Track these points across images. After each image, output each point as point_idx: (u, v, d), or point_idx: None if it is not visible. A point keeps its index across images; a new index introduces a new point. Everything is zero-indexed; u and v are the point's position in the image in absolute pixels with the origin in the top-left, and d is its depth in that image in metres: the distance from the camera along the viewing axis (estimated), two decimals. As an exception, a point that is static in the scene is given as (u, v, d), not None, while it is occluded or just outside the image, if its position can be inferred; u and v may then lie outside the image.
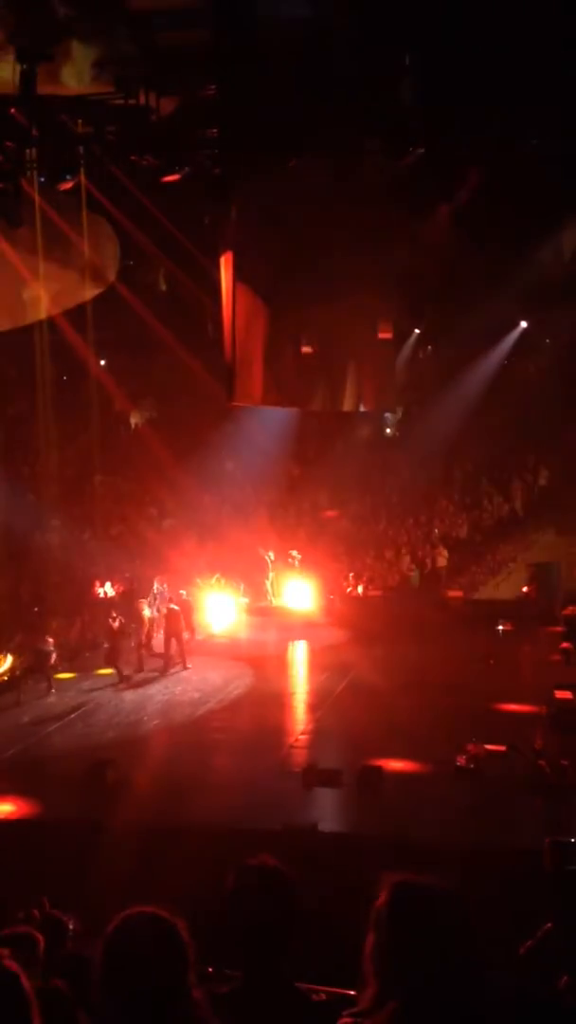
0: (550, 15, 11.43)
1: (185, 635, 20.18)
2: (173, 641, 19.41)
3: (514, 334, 29.13)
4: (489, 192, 13.21)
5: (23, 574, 23.91)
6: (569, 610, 21.84)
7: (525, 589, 23.88)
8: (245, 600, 24.44)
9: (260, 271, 15.53)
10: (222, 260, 14.92)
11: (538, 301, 26.37)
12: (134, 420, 30.91)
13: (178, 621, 19.54)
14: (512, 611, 22.70)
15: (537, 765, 12.78)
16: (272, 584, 24.82)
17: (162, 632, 20.79)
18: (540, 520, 27.31)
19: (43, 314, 19.34)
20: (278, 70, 13.51)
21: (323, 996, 2.89)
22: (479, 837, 11.07)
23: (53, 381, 26.50)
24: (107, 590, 21.47)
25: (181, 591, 21.39)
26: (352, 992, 3.33)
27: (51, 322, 21.45)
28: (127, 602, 20.83)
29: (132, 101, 12.84)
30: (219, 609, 22.96)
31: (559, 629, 20.71)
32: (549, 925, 5.93)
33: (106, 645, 19.25)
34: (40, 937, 4.59)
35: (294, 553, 24.91)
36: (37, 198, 14.76)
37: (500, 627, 21.74)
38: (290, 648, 21.48)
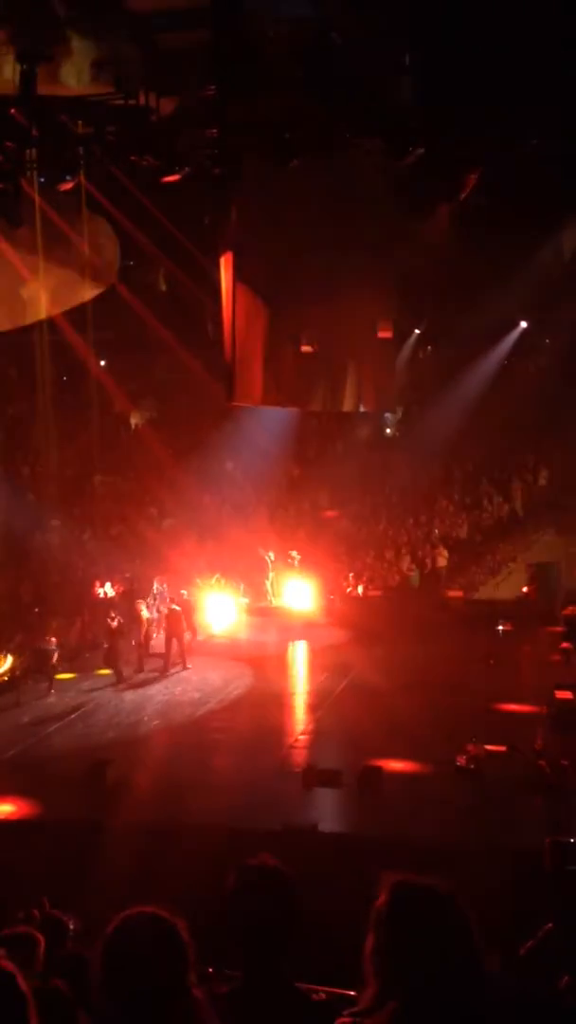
0: (550, 15, 11.43)
1: (187, 636, 20.17)
2: (174, 641, 19.39)
3: (514, 334, 29.15)
4: (489, 192, 13.19)
5: (23, 574, 23.91)
6: (569, 610, 21.84)
7: (525, 589, 23.88)
8: (245, 600, 24.43)
9: (260, 271, 15.53)
10: (222, 260, 14.93)
11: (538, 301, 26.38)
12: (134, 420, 30.92)
13: (179, 621, 19.52)
14: (512, 611, 22.70)
15: (537, 765, 12.78)
16: (272, 584, 24.81)
17: (162, 632, 20.80)
18: (540, 520, 27.31)
19: (43, 314, 19.35)
20: (278, 70, 13.52)
21: (323, 996, 2.89)
22: (479, 837, 11.07)
23: (53, 381, 26.51)
24: (107, 590, 21.47)
25: (182, 591, 21.39)
26: (352, 992, 3.33)
27: (51, 322, 21.45)
28: (127, 602, 20.83)
29: (132, 101, 12.84)
30: (219, 609, 22.95)
31: (559, 629, 20.70)
32: (549, 925, 5.93)
33: (105, 645, 19.25)
34: (40, 937, 4.59)
35: (294, 553, 24.91)
36: (37, 198, 14.76)
37: (500, 627, 21.73)
38: (290, 648, 21.47)
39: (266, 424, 27.57)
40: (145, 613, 19.89)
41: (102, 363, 29.84)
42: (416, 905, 2.31)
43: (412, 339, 28.43)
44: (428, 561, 26.15)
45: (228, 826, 11.19)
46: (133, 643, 19.56)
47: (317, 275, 17.42)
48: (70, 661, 19.64)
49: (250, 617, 23.85)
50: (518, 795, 12.39)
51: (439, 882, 2.35)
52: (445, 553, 26.10)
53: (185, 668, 19.24)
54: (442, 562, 25.95)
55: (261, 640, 22.03)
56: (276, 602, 24.52)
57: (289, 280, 16.43)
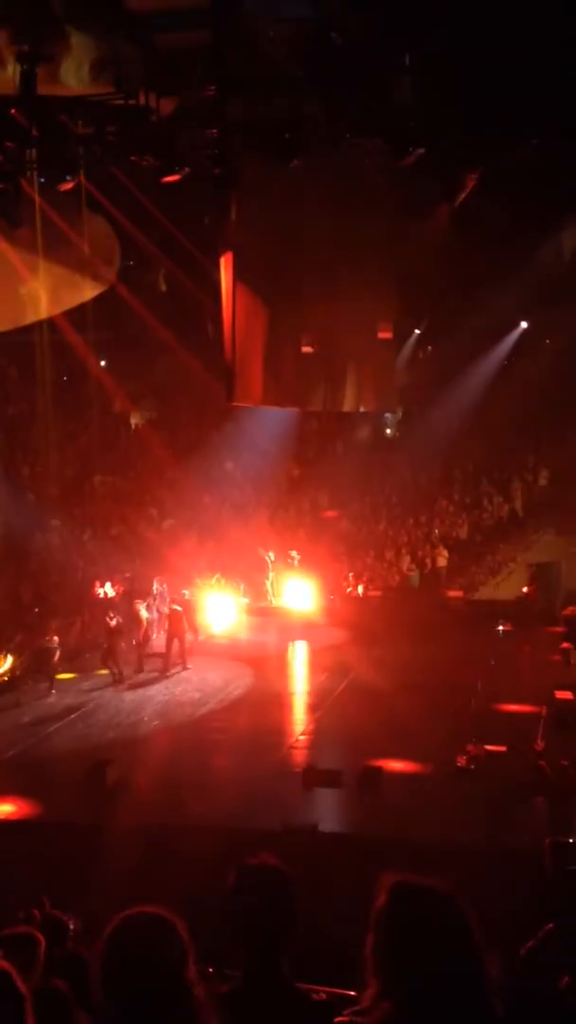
0: (550, 15, 11.43)
1: (189, 636, 20.15)
2: (175, 641, 19.38)
3: (514, 334, 29.16)
4: (489, 192, 13.19)
5: (23, 574, 23.90)
6: (569, 610, 21.83)
7: (525, 589, 23.87)
8: (245, 600, 24.43)
9: (260, 271, 15.52)
10: (222, 260, 14.92)
11: (538, 301, 26.39)
12: (134, 420, 30.92)
13: (180, 621, 19.51)
14: (512, 611, 22.69)
15: (537, 765, 12.78)
16: (272, 584, 24.81)
17: (160, 632, 20.80)
18: (540, 520, 27.32)
19: (43, 314, 19.33)
20: (278, 70, 13.52)
21: (323, 996, 2.89)
22: (479, 837, 11.07)
23: (53, 381, 26.50)
24: (107, 590, 21.47)
25: (184, 591, 21.39)
26: (352, 992, 3.33)
27: (51, 322, 21.45)
28: (127, 602, 20.83)
29: (132, 101, 12.83)
30: (219, 609, 22.95)
31: (559, 629, 20.70)
32: (550, 926, 5.93)
33: (105, 645, 19.22)
34: (40, 937, 4.58)
35: (293, 553, 24.90)
36: (37, 198, 14.76)
37: (500, 627, 21.73)
38: (290, 648, 21.47)
39: (266, 424, 27.56)
40: (144, 613, 19.87)
41: (102, 363, 29.85)
42: (416, 905, 2.31)
43: (412, 339, 28.46)
44: (428, 561, 26.15)
45: (228, 826, 11.20)
46: (134, 643, 19.55)
47: (317, 275, 17.42)
48: (70, 661, 19.64)
49: (250, 617, 23.85)
50: (518, 795, 12.39)
51: (439, 882, 2.35)
52: (445, 553, 26.10)
53: (185, 668, 19.23)
54: (442, 562, 25.95)
55: (261, 640, 22.03)
56: (276, 602, 24.52)
57: (289, 280, 16.43)
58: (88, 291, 19.14)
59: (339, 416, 27.55)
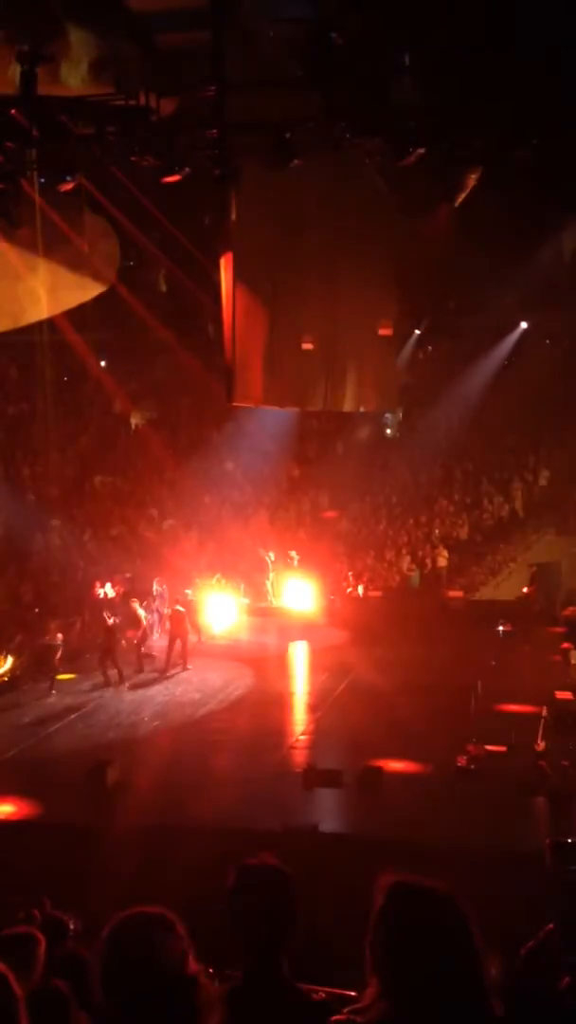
0: (550, 15, 11.43)
1: (193, 638, 20.12)
2: (177, 642, 19.37)
3: (514, 334, 29.17)
4: (489, 192, 13.19)
5: (24, 574, 23.91)
6: (569, 611, 21.84)
7: (525, 590, 23.87)
8: (245, 601, 24.42)
9: (260, 271, 15.52)
10: (222, 260, 14.93)
11: (538, 301, 26.41)
12: (134, 420, 30.91)
13: (183, 622, 19.50)
14: (512, 612, 22.69)
15: (537, 766, 12.78)
16: (272, 585, 24.80)
17: (162, 633, 20.81)
18: (540, 520, 27.32)
19: (43, 314, 19.32)
20: (278, 70, 13.52)
21: (322, 996, 2.89)
22: (479, 837, 11.07)
23: (54, 381, 26.51)
24: (107, 591, 21.47)
25: (187, 591, 21.39)
26: (352, 993, 3.33)
27: (51, 322, 21.44)
28: (126, 603, 20.82)
29: (132, 101, 12.83)
30: (219, 610, 22.95)
31: (560, 629, 20.70)
32: (550, 926, 5.93)
33: (102, 644, 19.17)
34: (41, 937, 4.58)
35: (293, 553, 24.90)
36: (37, 198, 14.75)
37: (500, 628, 21.72)
38: (290, 649, 21.47)
39: (266, 424, 27.56)
40: (141, 612, 19.85)
41: (102, 363, 29.86)
42: (413, 906, 2.31)
43: (412, 339, 28.48)
44: (428, 561, 26.14)
45: (228, 826, 11.21)
46: (135, 642, 19.52)
47: (317, 275, 17.41)
48: (70, 661, 19.63)
49: (250, 617, 23.85)
50: (518, 795, 12.39)
51: (437, 882, 2.35)
52: (445, 553, 26.10)
53: (185, 669, 19.22)
54: (442, 562, 25.95)
55: (261, 640, 22.03)
56: (276, 603, 24.51)
57: (289, 280, 16.42)
58: (88, 291, 19.11)
59: (339, 416, 27.54)
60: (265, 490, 29.00)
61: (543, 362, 28.13)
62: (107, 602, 20.56)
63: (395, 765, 13.30)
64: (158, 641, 20.65)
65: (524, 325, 28.92)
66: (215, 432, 29.69)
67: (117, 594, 21.16)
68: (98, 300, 19.72)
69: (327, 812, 12.19)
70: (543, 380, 27.68)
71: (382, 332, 20.99)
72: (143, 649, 19.61)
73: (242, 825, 11.23)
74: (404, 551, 26.63)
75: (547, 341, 29.43)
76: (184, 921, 2.38)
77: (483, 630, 21.35)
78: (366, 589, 25.17)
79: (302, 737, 15.43)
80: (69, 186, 13.73)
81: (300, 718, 16.71)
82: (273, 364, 16.36)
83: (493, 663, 18.90)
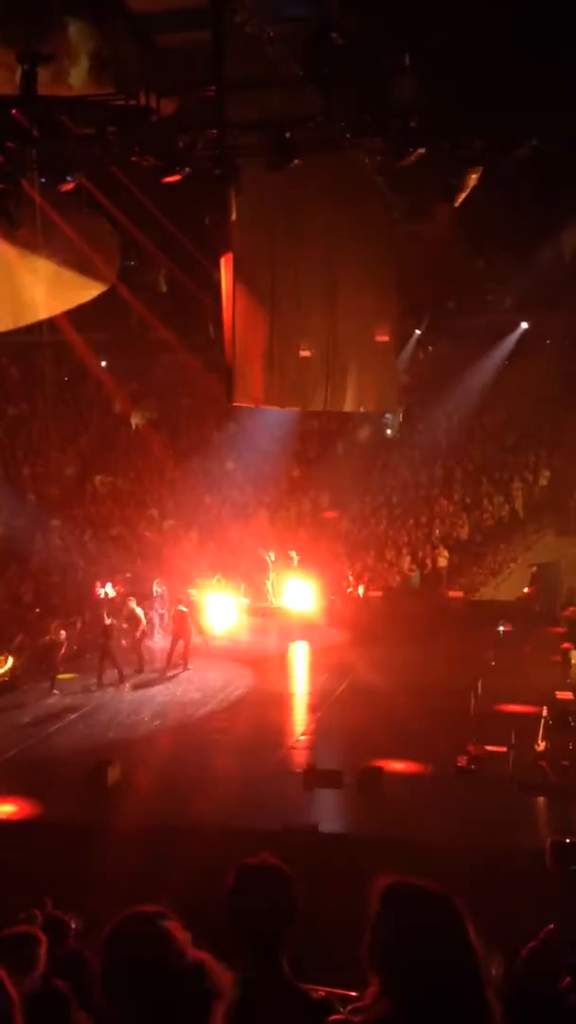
0: (550, 15, 11.44)
1: (197, 639, 20.10)
2: (179, 642, 19.35)
3: (514, 334, 29.17)
4: (489, 192, 13.19)
5: (24, 574, 23.92)
6: (569, 611, 21.83)
7: (526, 590, 23.87)
8: (246, 601, 24.42)
9: (260, 271, 15.51)
10: (222, 260, 14.92)
11: (538, 301, 26.41)
12: (134, 420, 30.91)
13: (186, 622, 19.49)
14: (513, 612, 22.68)
15: (538, 766, 12.78)
16: (273, 585, 24.79)
17: (164, 634, 20.80)
18: (541, 521, 27.32)
19: (44, 314, 19.31)
20: (278, 70, 13.53)
21: (322, 995, 2.89)
22: (480, 838, 11.07)
23: (54, 381, 26.51)
24: (108, 591, 21.47)
25: (191, 590, 21.37)
26: (353, 992, 3.33)
27: (51, 322, 21.44)
28: (125, 603, 20.82)
29: (132, 101, 12.84)
30: (220, 610, 22.95)
31: (560, 630, 20.69)
32: (550, 926, 5.94)
33: (102, 643, 19.16)
34: (42, 937, 4.59)
35: (293, 553, 24.90)
36: (37, 198, 14.75)
37: (501, 628, 21.72)
38: (291, 649, 21.47)
39: (266, 424, 27.56)
40: (139, 611, 19.84)
41: (103, 363, 29.86)
42: (409, 907, 2.31)
43: (412, 339, 28.48)
44: (429, 562, 26.14)
45: (228, 826, 11.20)
46: (139, 641, 19.51)
47: (318, 275, 17.41)
48: (70, 661, 19.64)
49: (250, 618, 23.84)
50: (518, 796, 12.39)
51: (433, 883, 2.35)
52: (446, 553, 26.09)
53: (186, 669, 19.22)
54: (443, 562, 25.94)
55: (262, 641, 22.03)
56: (277, 603, 24.51)
57: (290, 280, 16.41)
58: (88, 291, 19.10)
59: (339, 416, 27.55)
60: (265, 490, 28.99)
61: (543, 362, 28.13)
62: (107, 602, 20.56)
63: (395, 765, 13.29)
64: (159, 642, 20.65)
65: (524, 325, 28.90)
66: (215, 432, 29.69)
67: (118, 594, 21.16)
68: (98, 300, 19.70)
69: (327, 812, 12.19)
70: (543, 380, 27.68)
71: (379, 338, 21.03)
72: (141, 648, 19.60)
73: (242, 825, 11.23)
74: (404, 551, 26.62)
75: (547, 341, 29.42)
76: (184, 921, 2.38)
77: (483, 630, 21.34)
78: (366, 589, 25.16)
79: (302, 737, 15.43)
80: (69, 186, 13.73)
81: (300, 718, 16.72)
82: (273, 364, 16.35)
83: (493, 663, 18.89)
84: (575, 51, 11.38)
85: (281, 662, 20.50)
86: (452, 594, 24.73)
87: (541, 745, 13.34)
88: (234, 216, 12.87)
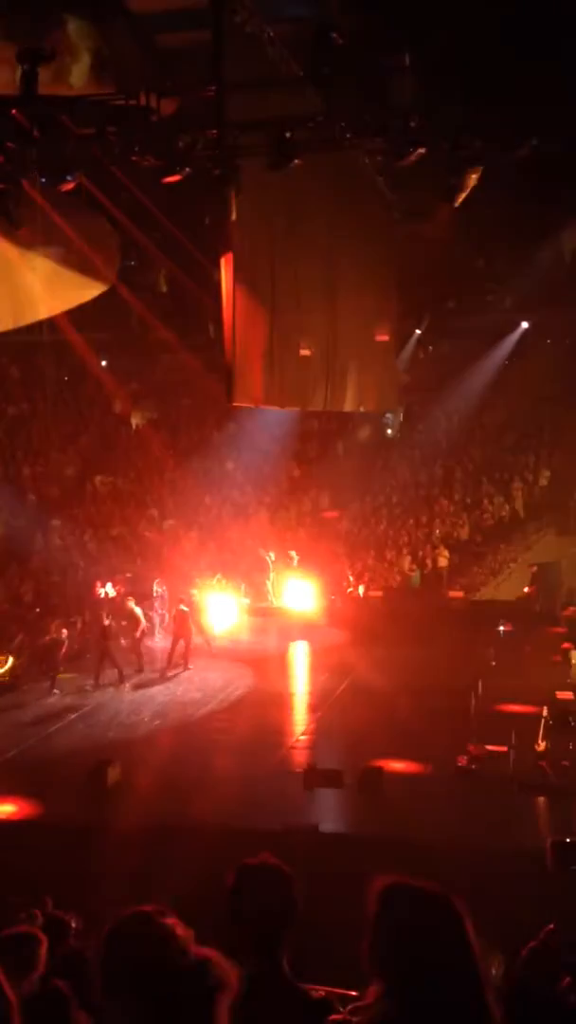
0: (550, 15, 11.44)
1: (198, 639, 20.09)
2: (180, 642, 19.35)
3: (514, 334, 29.17)
4: (489, 192, 13.19)
5: (24, 574, 23.92)
6: (570, 611, 21.86)
7: (526, 590, 23.87)
8: (246, 601, 24.42)
9: (260, 271, 15.51)
10: (222, 260, 14.92)
11: (538, 301, 26.41)
12: (135, 420, 30.91)
13: (187, 622, 19.49)
14: (513, 612, 22.69)
15: (538, 766, 12.78)
16: (273, 585, 24.79)
17: (164, 634, 20.79)
18: (541, 521, 27.32)
19: (44, 314, 19.31)
20: (278, 70, 13.54)
21: (322, 994, 2.90)
22: (480, 838, 11.08)
23: (54, 381, 26.49)
24: (108, 591, 21.48)
25: (193, 590, 21.36)
26: (353, 992, 3.33)
27: (52, 322, 21.44)
28: (124, 603, 20.83)
29: (132, 101, 12.84)
30: (220, 610, 22.95)
31: (560, 630, 20.70)
32: (551, 926, 5.94)
33: (101, 643, 19.16)
34: (43, 937, 4.59)
35: (293, 553, 24.90)
36: (37, 198, 14.75)
37: (501, 628, 21.72)
38: (291, 649, 21.47)
39: (266, 424, 27.56)
40: (138, 610, 19.84)
41: (103, 363, 29.85)
42: (408, 908, 2.31)
43: (412, 339, 28.48)
44: (429, 561, 26.14)
45: (228, 826, 11.20)
46: (138, 641, 19.50)
47: (318, 275, 17.41)
48: (70, 661, 19.64)
49: (251, 617, 23.85)
50: (518, 796, 12.39)
51: (432, 883, 2.35)
52: (446, 553, 26.09)
53: (186, 669, 19.22)
54: (443, 562, 25.94)
55: (262, 641, 22.03)
56: (277, 603, 24.51)
57: (290, 280, 16.42)
58: (88, 291, 19.10)
59: (339, 416, 27.54)
60: (265, 490, 28.99)
61: (543, 362, 28.13)
62: (107, 602, 20.56)
63: (395, 765, 13.30)
64: (160, 642, 20.64)
65: (524, 325, 28.91)
66: (215, 432, 29.69)
67: (118, 594, 21.17)
68: (98, 300, 19.70)
69: (327, 812, 12.20)
70: (543, 380, 27.68)
71: (379, 338, 21.02)
72: (141, 648, 19.61)
73: (242, 825, 11.23)
74: (404, 551, 26.63)
75: (548, 341, 29.43)
76: (184, 921, 2.38)
77: (483, 630, 21.35)
78: (366, 589, 25.16)
79: (302, 737, 15.43)
80: (69, 186, 13.73)
81: (300, 718, 16.72)
82: (273, 364, 16.35)
83: (493, 663, 18.90)
84: (575, 51, 11.38)
85: (281, 662, 20.50)
86: (452, 594, 24.73)
87: (541, 745, 13.34)
88: (234, 216, 12.86)
